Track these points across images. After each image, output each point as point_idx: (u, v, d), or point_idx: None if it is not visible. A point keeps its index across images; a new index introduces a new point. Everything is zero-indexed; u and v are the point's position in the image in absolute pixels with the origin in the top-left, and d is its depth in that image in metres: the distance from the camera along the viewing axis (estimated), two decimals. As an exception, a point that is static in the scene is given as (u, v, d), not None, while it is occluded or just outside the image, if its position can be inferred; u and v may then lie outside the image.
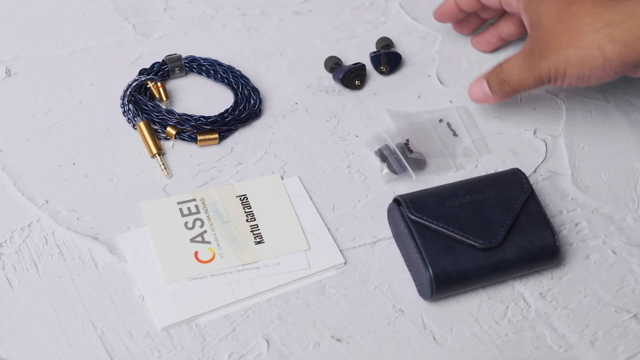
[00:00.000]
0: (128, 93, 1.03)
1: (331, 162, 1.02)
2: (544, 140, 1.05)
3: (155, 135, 1.01)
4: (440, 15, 1.10)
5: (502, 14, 1.09)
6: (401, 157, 1.01)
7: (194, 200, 0.97)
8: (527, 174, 1.01)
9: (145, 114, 1.02)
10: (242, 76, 1.07)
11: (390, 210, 0.96)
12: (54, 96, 1.05)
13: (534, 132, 1.05)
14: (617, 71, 0.93)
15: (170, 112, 1.02)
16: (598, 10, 0.92)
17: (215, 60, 1.08)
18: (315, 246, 0.95)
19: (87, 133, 1.02)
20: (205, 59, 1.08)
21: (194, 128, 1.02)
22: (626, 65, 0.92)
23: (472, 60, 1.11)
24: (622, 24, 0.91)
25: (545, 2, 0.95)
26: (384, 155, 1.02)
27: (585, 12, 0.92)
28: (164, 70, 1.07)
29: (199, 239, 0.94)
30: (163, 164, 0.99)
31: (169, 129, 1.02)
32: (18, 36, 1.10)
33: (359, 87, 1.07)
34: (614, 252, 0.97)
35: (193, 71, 1.08)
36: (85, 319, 0.89)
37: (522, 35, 1.09)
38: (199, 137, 1.01)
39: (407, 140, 1.03)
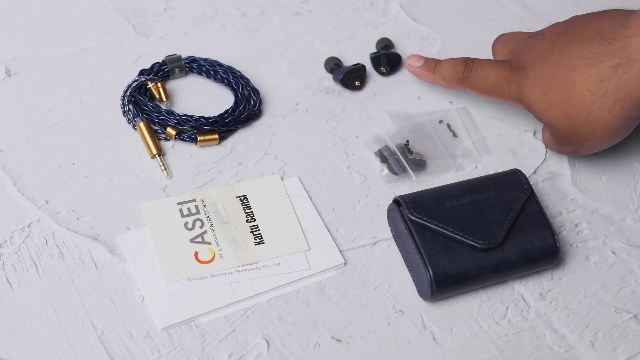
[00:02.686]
0: (128, 93, 1.03)
1: (331, 162, 1.02)
2: (544, 141, 1.05)
3: (155, 136, 1.01)
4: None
5: None
6: (401, 157, 1.01)
7: (194, 200, 0.97)
8: (527, 175, 1.01)
9: (145, 114, 1.02)
10: (242, 77, 1.07)
11: (390, 211, 0.96)
12: (53, 96, 1.05)
13: (534, 133, 1.06)
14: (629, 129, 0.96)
15: (170, 112, 1.02)
16: (600, 95, 0.92)
17: (215, 61, 1.08)
18: (315, 247, 0.95)
19: (87, 133, 1.02)
20: (205, 60, 1.08)
21: (194, 128, 1.02)
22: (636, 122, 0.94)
23: (472, 61, 1.11)
24: (625, 97, 0.91)
25: (548, 109, 0.95)
26: (383, 156, 1.02)
27: (589, 102, 0.92)
28: (164, 70, 1.07)
29: (199, 239, 0.94)
30: (163, 164, 0.99)
31: (169, 129, 1.02)
32: (18, 36, 1.10)
33: (359, 88, 1.07)
34: (614, 253, 0.97)
35: (193, 71, 1.08)
36: (85, 319, 0.89)
37: None
38: (199, 138, 1.01)
39: (407, 141, 1.03)
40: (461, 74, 1.01)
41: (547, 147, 1.02)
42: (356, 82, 1.07)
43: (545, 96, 0.94)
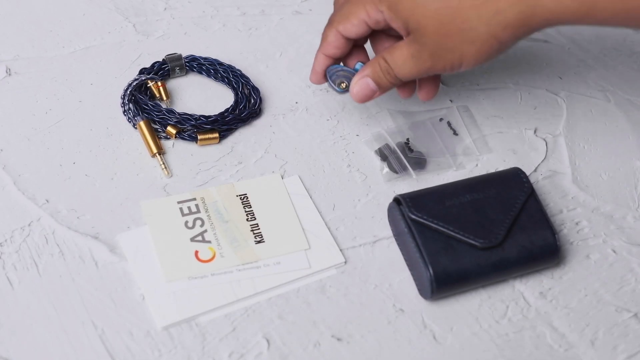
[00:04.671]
0: (128, 92, 1.03)
1: (331, 161, 1.02)
2: (544, 139, 1.05)
3: (156, 135, 1.01)
4: (318, 80, 1.00)
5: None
6: (401, 156, 1.01)
7: (194, 199, 0.97)
8: (528, 173, 1.01)
9: (146, 113, 1.02)
10: (243, 75, 1.07)
11: (390, 210, 0.96)
12: (54, 96, 1.05)
13: (534, 131, 1.05)
14: (506, 49, 0.91)
15: (171, 111, 1.02)
16: (481, 1, 0.87)
17: (215, 60, 1.08)
18: (316, 245, 0.95)
19: (88, 132, 1.02)
20: (205, 59, 1.08)
21: (194, 127, 1.02)
22: (515, 42, 0.90)
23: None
24: (511, 8, 0.86)
25: (418, 5, 0.89)
26: (384, 154, 1.02)
27: (467, 6, 0.87)
28: (164, 69, 1.07)
29: (199, 238, 0.94)
30: (163, 163, 0.99)
31: (169, 128, 1.02)
32: (18, 36, 1.10)
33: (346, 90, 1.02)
34: (614, 252, 0.97)
35: (193, 70, 1.08)
36: (85, 318, 0.89)
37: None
38: (199, 137, 1.01)
39: (408, 139, 1.03)
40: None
41: (396, 68, 0.94)
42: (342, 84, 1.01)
43: None
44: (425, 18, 0.89)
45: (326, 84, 1.00)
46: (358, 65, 0.98)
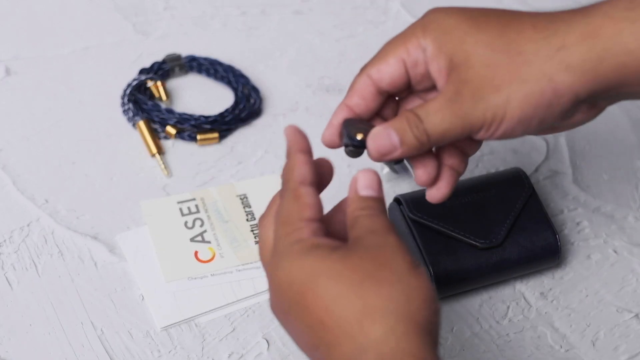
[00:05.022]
0: (128, 92, 1.03)
1: (331, 161, 1.01)
2: (545, 140, 1.05)
3: (155, 135, 1.01)
4: (335, 134, 0.80)
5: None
6: (402, 156, 1.01)
7: (194, 199, 0.97)
8: (528, 173, 1.01)
9: (145, 113, 1.02)
10: (242, 75, 1.07)
11: (390, 210, 0.96)
12: (53, 95, 1.05)
13: (535, 132, 1.05)
14: (560, 111, 0.73)
15: (170, 111, 1.02)
16: (544, 34, 0.72)
17: (215, 60, 1.08)
18: (316, 246, 0.95)
19: (87, 132, 1.02)
20: (205, 58, 1.08)
21: (194, 127, 1.01)
22: (573, 101, 0.72)
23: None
24: (579, 45, 0.71)
25: (469, 34, 0.73)
26: (384, 154, 1.01)
27: (525, 39, 0.72)
28: (164, 69, 1.07)
29: (199, 238, 0.94)
30: (163, 163, 0.99)
31: (168, 128, 1.01)
32: (17, 35, 1.10)
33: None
34: (616, 252, 0.97)
35: (193, 70, 1.08)
36: (84, 319, 0.89)
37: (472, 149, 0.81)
38: (199, 137, 1.01)
39: (408, 139, 1.02)
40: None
41: (427, 118, 0.74)
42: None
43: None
44: (476, 46, 0.73)
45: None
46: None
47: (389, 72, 0.76)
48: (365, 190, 0.73)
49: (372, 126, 0.76)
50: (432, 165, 0.78)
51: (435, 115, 0.73)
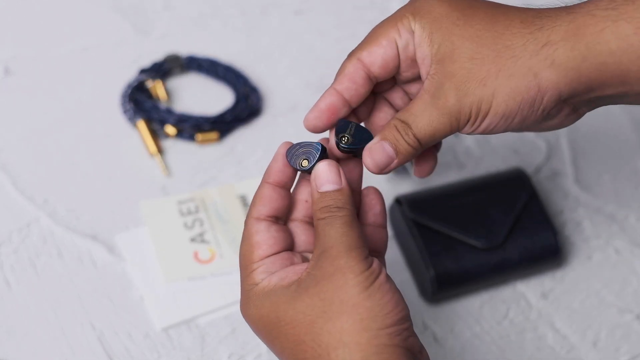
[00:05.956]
0: (128, 92, 1.03)
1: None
2: (545, 140, 1.04)
3: (155, 135, 1.01)
4: (320, 118, 0.77)
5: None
6: (402, 156, 1.01)
7: (194, 199, 0.97)
8: (529, 174, 1.01)
9: (145, 113, 1.02)
10: (242, 75, 1.06)
11: (391, 210, 0.95)
12: (53, 95, 1.04)
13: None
14: (542, 110, 0.72)
15: (170, 111, 1.01)
16: (531, 29, 0.71)
17: (215, 60, 1.07)
18: (316, 246, 0.94)
19: (87, 132, 1.02)
20: (205, 58, 1.08)
21: (194, 127, 1.01)
22: (555, 100, 0.72)
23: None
24: (563, 42, 0.70)
25: (457, 25, 0.72)
26: (384, 154, 1.01)
27: (513, 33, 0.71)
28: (164, 69, 1.07)
29: (199, 238, 0.94)
30: (162, 163, 0.99)
31: (168, 128, 1.01)
32: (17, 35, 1.10)
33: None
34: (617, 252, 0.96)
35: (193, 70, 1.08)
36: (84, 319, 0.89)
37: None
38: (199, 137, 1.01)
39: (408, 139, 1.02)
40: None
41: (414, 121, 0.73)
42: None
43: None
44: (463, 38, 0.72)
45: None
46: (318, 145, 0.76)
47: (381, 54, 0.75)
48: (325, 185, 0.72)
49: (315, 149, 0.75)
50: (430, 157, 0.78)
51: (422, 117, 0.73)
